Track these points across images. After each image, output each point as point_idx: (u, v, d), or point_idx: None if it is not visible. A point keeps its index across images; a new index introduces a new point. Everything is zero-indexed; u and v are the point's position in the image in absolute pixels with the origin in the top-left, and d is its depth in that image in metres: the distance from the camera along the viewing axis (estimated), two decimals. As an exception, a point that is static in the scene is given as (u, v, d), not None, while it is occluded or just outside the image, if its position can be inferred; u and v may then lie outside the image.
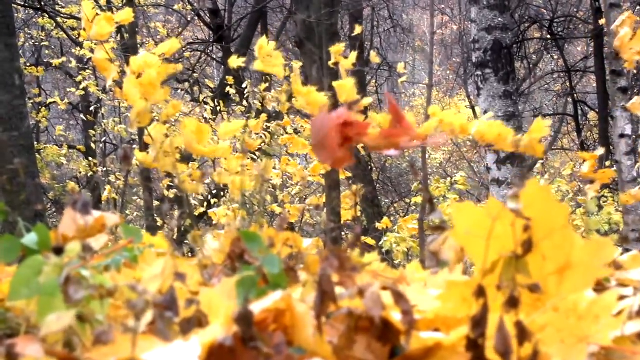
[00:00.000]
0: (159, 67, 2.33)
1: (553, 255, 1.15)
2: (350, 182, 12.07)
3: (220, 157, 2.81)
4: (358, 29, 7.59)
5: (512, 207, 1.08)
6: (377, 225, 9.09)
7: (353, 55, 3.93)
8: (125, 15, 2.51)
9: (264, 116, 5.18)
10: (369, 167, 12.57)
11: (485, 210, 1.13)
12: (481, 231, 1.13)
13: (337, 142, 1.54)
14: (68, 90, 16.11)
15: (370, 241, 8.24)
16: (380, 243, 8.52)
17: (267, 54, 2.73)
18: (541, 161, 12.14)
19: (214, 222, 5.82)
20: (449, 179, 11.29)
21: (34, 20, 15.14)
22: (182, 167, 2.49)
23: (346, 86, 2.88)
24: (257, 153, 8.11)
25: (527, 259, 1.10)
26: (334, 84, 3.59)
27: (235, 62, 2.75)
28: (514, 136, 2.35)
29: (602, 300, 1.15)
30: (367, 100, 3.85)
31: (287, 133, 6.78)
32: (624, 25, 3.66)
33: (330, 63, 3.95)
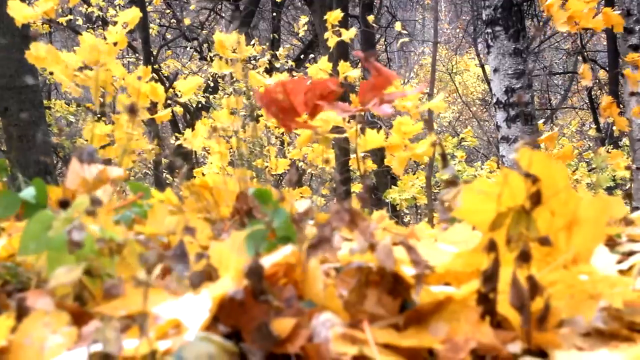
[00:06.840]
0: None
1: (561, 211, 1.15)
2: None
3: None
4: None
5: (518, 167, 1.07)
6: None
7: (352, 31, 3.91)
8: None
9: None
10: (378, 125, 12.53)
11: (495, 181, 1.12)
12: (489, 205, 1.12)
13: (306, 109, 1.54)
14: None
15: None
16: (388, 198, 8.52)
17: (228, 46, 2.67)
18: (550, 120, 12.07)
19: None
20: (457, 138, 11.26)
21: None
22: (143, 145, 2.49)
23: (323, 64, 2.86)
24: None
25: (535, 214, 1.09)
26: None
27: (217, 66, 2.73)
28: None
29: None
30: (356, 72, 3.83)
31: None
32: None
33: (326, 35, 3.92)
